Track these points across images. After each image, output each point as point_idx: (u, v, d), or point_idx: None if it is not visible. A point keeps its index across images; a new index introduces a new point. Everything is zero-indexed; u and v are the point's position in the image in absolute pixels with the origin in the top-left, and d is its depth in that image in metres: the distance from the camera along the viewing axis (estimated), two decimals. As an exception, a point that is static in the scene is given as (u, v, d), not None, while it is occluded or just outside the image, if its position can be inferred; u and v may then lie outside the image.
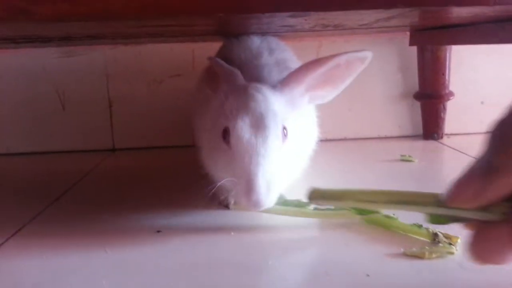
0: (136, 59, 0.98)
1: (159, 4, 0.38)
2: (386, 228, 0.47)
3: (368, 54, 0.49)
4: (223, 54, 0.65)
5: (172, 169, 0.83)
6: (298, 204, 0.50)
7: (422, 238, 0.45)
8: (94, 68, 0.98)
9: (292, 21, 0.44)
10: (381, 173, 0.73)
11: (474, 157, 0.28)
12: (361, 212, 0.47)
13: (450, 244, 0.42)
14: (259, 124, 0.46)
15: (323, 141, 0.65)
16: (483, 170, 0.26)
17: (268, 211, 0.48)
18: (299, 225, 0.52)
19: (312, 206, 0.50)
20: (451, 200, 0.28)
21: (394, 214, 0.47)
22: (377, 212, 0.47)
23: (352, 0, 0.35)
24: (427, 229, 0.45)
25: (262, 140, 0.45)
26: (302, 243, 0.48)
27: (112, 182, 0.80)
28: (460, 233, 0.43)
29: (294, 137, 0.49)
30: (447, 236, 0.43)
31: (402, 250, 0.42)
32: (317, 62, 0.49)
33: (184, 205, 0.60)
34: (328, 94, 0.53)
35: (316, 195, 0.40)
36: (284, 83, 0.50)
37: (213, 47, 0.72)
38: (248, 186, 0.44)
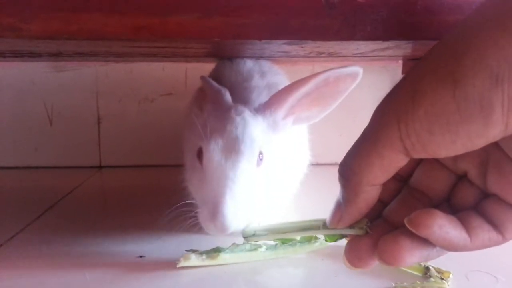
0: (128, 77, 0.97)
1: (154, 27, 0.37)
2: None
3: (358, 70, 0.47)
4: (215, 75, 0.64)
5: (159, 189, 0.81)
6: (249, 248, 0.49)
7: (413, 272, 0.44)
8: (84, 84, 0.97)
9: (287, 48, 0.43)
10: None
11: None
12: (284, 241, 0.48)
13: (442, 279, 0.41)
14: (232, 148, 0.45)
15: (314, 165, 0.65)
16: (339, 202, 0.34)
17: (218, 260, 0.47)
18: (285, 257, 0.50)
19: (263, 248, 0.49)
20: (329, 223, 0.36)
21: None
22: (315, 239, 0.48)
23: (349, 31, 0.35)
24: (419, 263, 0.44)
25: (232, 164, 0.45)
26: (289, 276, 0.47)
27: (96, 201, 0.78)
28: (452, 268, 0.43)
29: (273, 161, 0.49)
30: (438, 271, 0.43)
31: (393, 284, 0.42)
32: (299, 82, 0.47)
33: (169, 228, 0.58)
34: (315, 115, 0.51)
35: (249, 233, 0.43)
36: (266, 105, 0.49)
37: (206, 67, 0.72)
38: (214, 209, 0.43)
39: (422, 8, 0.36)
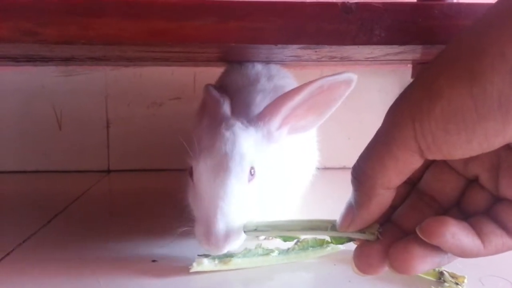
0: (137, 81, 0.97)
1: (170, 32, 0.37)
2: None
3: (352, 76, 0.45)
4: (222, 79, 0.65)
5: (168, 194, 0.80)
6: (262, 253, 0.48)
7: (427, 277, 0.44)
8: (94, 88, 0.97)
9: (301, 52, 0.44)
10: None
11: None
12: (286, 239, 0.47)
13: (457, 284, 0.41)
14: (221, 166, 0.45)
15: (321, 169, 0.64)
16: (350, 205, 0.33)
17: (231, 265, 0.47)
18: (298, 263, 0.50)
19: (276, 252, 0.49)
20: (338, 226, 0.35)
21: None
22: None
23: (366, 35, 0.35)
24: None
25: (222, 182, 0.44)
26: (301, 280, 0.47)
27: (106, 205, 0.78)
28: (466, 273, 0.43)
29: (267, 173, 0.48)
30: (453, 276, 0.42)
31: (408, 289, 0.41)
32: (292, 91, 0.47)
33: (180, 232, 0.59)
34: (311, 124, 0.50)
35: (250, 228, 0.43)
36: (260, 116, 0.49)
37: (215, 71, 0.72)
38: (207, 229, 0.43)
39: (439, 13, 0.36)
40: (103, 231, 0.61)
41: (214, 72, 0.72)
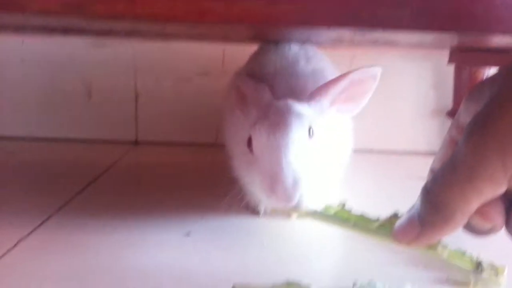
0: (165, 55, 0.97)
1: (219, 12, 0.37)
2: (427, 251, 0.45)
3: (377, 71, 0.48)
4: (257, 60, 0.64)
5: (196, 167, 0.82)
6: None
7: (464, 267, 0.44)
8: (122, 61, 0.98)
9: (345, 34, 0.43)
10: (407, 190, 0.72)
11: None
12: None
13: (496, 275, 0.41)
14: (281, 123, 0.46)
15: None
16: (414, 220, 0.33)
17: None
18: (334, 238, 0.51)
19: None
20: (397, 239, 0.35)
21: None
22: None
23: (420, 21, 0.34)
24: (470, 256, 0.43)
25: (282, 137, 0.45)
26: (339, 259, 0.47)
27: (136, 177, 0.79)
28: (506, 263, 0.42)
29: (323, 139, 0.49)
30: (492, 266, 0.42)
31: (446, 277, 0.41)
32: (337, 78, 0.49)
33: (212, 207, 0.59)
34: (351, 110, 0.53)
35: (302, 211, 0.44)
36: (311, 96, 0.50)
37: (244, 47, 0.71)
38: (273, 180, 0.43)
39: (499, 2, 0.35)
40: (134, 203, 0.62)
41: (243, 48, 0.71)
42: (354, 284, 0.38)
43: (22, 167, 0.81)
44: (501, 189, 0.29)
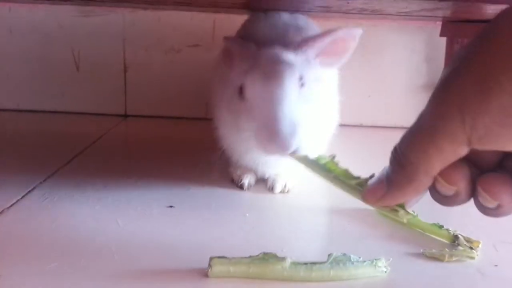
0: (155, 25, 0.95)
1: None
2: (390, 213, 0.42)
3: (358, 32, 0.50)
4: (246, 29, 0.63)
5: (184, 141, 0.82)
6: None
7: (441, 239, 0.44)
8: (112, 31, 0.96)
9: (332, 2, 0.41)
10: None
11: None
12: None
13: (471, 248, 0.41)
14: (273, 72, 0.47)
15: (341, 126, 0.64)
16: (382, 180, 0.34)
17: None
18: (315, 213, 0.51)
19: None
20: (365, 198, 0.36)
21: (414, 211, 0.46)
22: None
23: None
24: (447, 230, 0.44)
25: (276, 85, 0.46)
26: (317, 233, 0.48)
27: (124, 149, 0.79)
28: (480, 238, 0.43)
29: (312, 89, 0.50)
30: (468, 240, 0.42)
31: (421, 250, 0.42)
32: (322, 33, 0.51)
33: (196, 180, 0.60)
34: (333, 63, 0.54)
35: (299, 155, 0.43)
36: (298, 46, 0.51)
37: (235, 18, 0.69)
38: (270, 129, 0.44)
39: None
40: (121, 174, 0.62)
41: (233, 19, 0.69)
42: (329, 256, 0.38)
43: (9, 139, 0.81)
44: (462, 149, 0.29)
